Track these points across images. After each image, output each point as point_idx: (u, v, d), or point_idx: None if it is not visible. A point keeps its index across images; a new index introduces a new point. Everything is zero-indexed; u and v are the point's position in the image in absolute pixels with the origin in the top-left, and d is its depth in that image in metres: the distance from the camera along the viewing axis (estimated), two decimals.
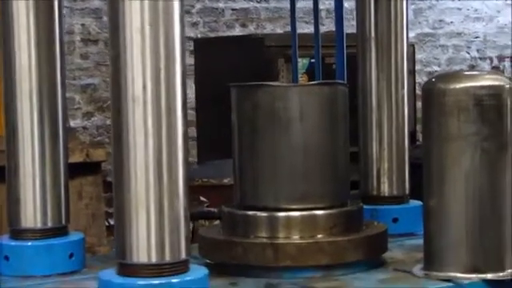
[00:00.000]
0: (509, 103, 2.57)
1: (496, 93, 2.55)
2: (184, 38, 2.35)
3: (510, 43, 3.50)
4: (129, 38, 2.27)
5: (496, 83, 2.57)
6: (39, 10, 2.83)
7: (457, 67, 13.02)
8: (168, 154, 2.29)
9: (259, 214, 2.78)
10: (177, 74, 2.31)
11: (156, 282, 2.26)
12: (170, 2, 2.28)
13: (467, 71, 2.85)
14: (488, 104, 2.53)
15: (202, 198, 5.83)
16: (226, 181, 5.32)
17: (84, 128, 10.40)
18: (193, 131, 9.41)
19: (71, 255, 2.84)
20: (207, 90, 9.00)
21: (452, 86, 2.56)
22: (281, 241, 2.73)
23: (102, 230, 5.60)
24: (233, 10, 11.18)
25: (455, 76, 2.63)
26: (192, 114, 9.42)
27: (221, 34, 11.08)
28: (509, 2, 3.40)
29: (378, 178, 3.36)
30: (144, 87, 2.26)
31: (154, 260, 2.29)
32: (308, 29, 8.81)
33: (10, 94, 2.85)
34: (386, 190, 3.35)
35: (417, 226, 3.16)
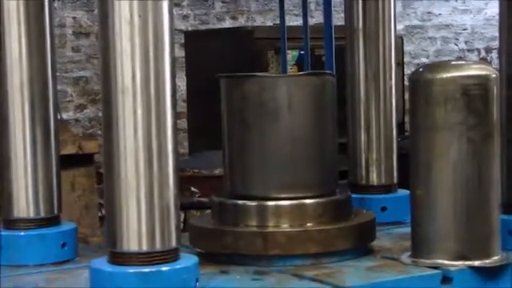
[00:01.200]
0: (495, 93, 2.57)
1: (482, 82, 2.54)
2: (173, 29, 2.34)
3: (497, 35, 3.50)
4: (118, 28, 2.25)
5: (482, 73, 2.57)
6: (29, 3, 2.83)
7: (445, 59, 13.02)
8: (158, 144, 2.29)
9: (249, 203, 2.77)
10: (166, 65, 2.30)
11: (146, 270, 2.25)
12: None
13: (454, 61, 2.85)
14: (474, 94, 2.52)
15: (193, 189, 5.84)
16: (216, 171, 5.32)
17: (76, 120, 10.39)
18: (184, 123, 9.42)
19: (64, 244, 2.84)
20: (198, 82, 8.99)
21: (439, 76, 2.56)
22: (270, 229, 2.73)
23: (95, 221, 5.61)
24: (223, 2, 11.19)
25: (442, 66, 2.63)
26: (183, 105, 9.42)
27: (211, 26, 11.08)
28: None
29: (366, 167, 3.36)
30: (133, 77, 2.25)
31: (144, 248, 2.28)
32: (297, 21, 8.84)
33: (1, 86, 2.84)
34: (374, 179, 3.35)
35: (405, 215, 3.16)
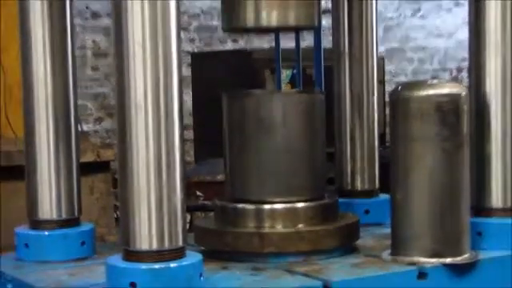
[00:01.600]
0: (465, 108, 2.58)
1: (454, 99, 2.55)
2: (180, 51, 2.34)
3: (466, 56, 3.52)
4: (131, 51, 2.25)
5: (454, 91, 2.57)
6: (54, 27, 2.83)
7: (421, 77, 13.04)
8: (166, 153, 2.28)
9: (247, 206, 2.77)
10: (174, 83, 2.29)
11: (156, 266, 2.25)
12: (167, 19, 2.27)
13: (429, 80, 2.84)
14: (447, 109, 2.53)
15: (198, 193, 5.84)
16: (219, 177, 5.32)
17: (95, 131, 10.41)
18: (190, 133, 9.42)
19: (83, 243, 2.85)
20: (203, 97, 9.03)
21: (415, 94, 2.56)
22: (266, 230, 2.73)
23: (111, 221, 5.60)
24: None
25: (418, 85, 2.63)
26: (189, 118, 9.42)
27: (215, 48, 11.08)
28: (466, 21, 3.46)
29: (351, 174, 3.36)
30: (145, 95, 2.25)
31: (154, 247, 2.27)
32: (291, 43, 8.83)
33: (29, 100, 2.85)
34: (358, 185, 3.35)
35: (385, 217, 3.15)
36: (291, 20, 2.79)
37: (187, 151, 8.39)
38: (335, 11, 3.39)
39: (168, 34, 2.28)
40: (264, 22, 2.77)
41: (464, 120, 2.57)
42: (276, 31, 3.00)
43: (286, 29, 2.90)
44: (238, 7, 2.79)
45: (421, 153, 2.55)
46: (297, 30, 2.98)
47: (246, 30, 2.91)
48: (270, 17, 2.76)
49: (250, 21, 2.78)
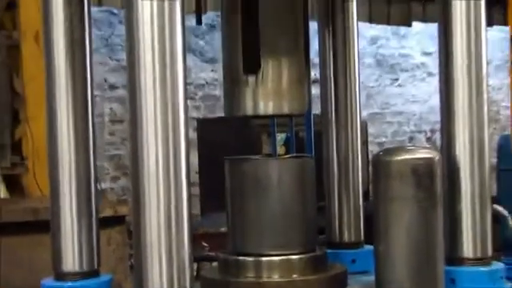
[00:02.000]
0: (438, 171, 2.58)
1: (428, 163, 2.56)
2: (188, 117, 2.35)
3: (438, 119, 3.56)
4: (144, 120, 2.27)
5: (428, 156, 2.58)
6: (76, 99, 2.82)
7: (400, 138, 13.08)
8: (175, 211, 2.27)
9: (247, 258, 2.75)
10: (182, 147, 2.29)
11: None
12: (176, 91, 2.28)
13: (406, 146, 2.84)
14: (422, 172, 2.53)
15: (203, 244, 5.82)
16: (222, 229, 5.31)
17: (111, 189, 10.40)
18: (196, 190, 9.42)
19: None
20: (207, 158, 9.06)
21: (394, 159, 2.57)
22: (264, 279, 2.71)
23: (127, 269, 5.57)
24: None
25: (397, 150, 2.64)
26: (195, 176, 9.42)
27: (218, 114, 11.14)
28: (437, 89, 3.52)
29: (339, 228, 3.34)
30: (156, 159, 2.26)
31: None
32: None
33: (53, 163, 2.84)
34: (345, 237, 3.33)
35: (370, 266, 3.15)
36: (285, 109, 2.80)
37: (194, 205, 8.38)
38: (323, 82, 3.39)
39: (176, 103, 2.28)
40: (261, 111, 2.78)
41: (437, 182, 2.57)
42: (272, 117, 3.00)
43: (280, 116, 2.90)
44: (237, 96, 2.80)
45: (399, 211, 2.55)
46: (290, 116, 2.97)
47: (246, 116, 2.90)
48: (267, 106, 2.77)
49: (248, 109, 2.79)
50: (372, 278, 2.75)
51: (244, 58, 2.76)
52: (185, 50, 2.32)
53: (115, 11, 11.02)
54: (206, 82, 11.69)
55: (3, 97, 5.97)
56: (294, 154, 2.82)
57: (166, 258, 2.27)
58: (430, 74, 13.30)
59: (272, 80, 2.75)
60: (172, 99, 2.28)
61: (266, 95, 2.76)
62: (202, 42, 11.23)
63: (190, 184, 2.33)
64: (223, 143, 8.48)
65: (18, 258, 5.10)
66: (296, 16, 2.83)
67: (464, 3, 2.84)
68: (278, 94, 2.76)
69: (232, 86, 2.82)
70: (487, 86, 2.91)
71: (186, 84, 2.33)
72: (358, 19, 3.38)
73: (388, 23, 12.60)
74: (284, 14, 2.78)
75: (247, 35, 2.76)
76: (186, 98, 2.34)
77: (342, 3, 3.31)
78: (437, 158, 2.61)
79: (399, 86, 13.38)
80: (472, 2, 2.84)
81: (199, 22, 3.22)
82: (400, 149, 2.64)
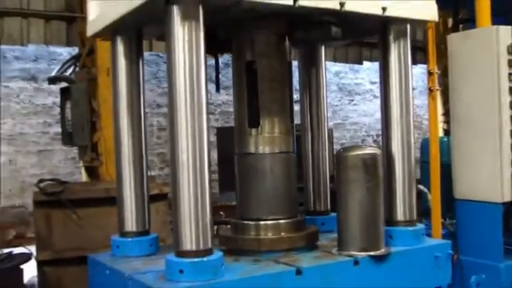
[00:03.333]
0: (380, 162, 2.58)
1: (373, 157, 2.55)
2: (209, 126, 2.34)
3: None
4: (179, 127, 2.26)
5: (373, 152, 2.58)
6: (134, 114, 2.83)
7: (355, 140, 13.07)
8: (200, 190, 2.27)
9: (250, 222, 2.75)
10: (205, 148, 2.29)
11: (195, 260, 2.23)
12: (201, 110, 2.28)
13: (358, 145, 2.82)
14: (369, 163, 2.53)
15: (221, 213, 5.83)
16: (233, 203, 5.34)
17: (159, 175, 10.41)
18: (215, 176, 9.42)
19: (151, 245, 2.82)
20: (223, 154, 9.02)
21: (350, 154, 2.57)
22: (262, 237, 2.70)
23: (168, 230, 5.53)
24: None
25: (351, 148, 2.64)
26: (215, 166, 9.42)
27: (231, 125, 11.15)
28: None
29: (313, 201, 3.32)
30: (187, 156, 2.26)
31: (194, 247, 2.25)
32: None
33: (119, 158, 2.85)
34: (317, 207, 3.31)
35: (334, 227, 3.14)
36: (276, 150, 2.76)
37: (214, 187, 8.40)
38: (301, 102, 3.38)
39: (201, 116, 2.28)
40: (260, 152, 2.75)
41: (380, 169, 2.58)
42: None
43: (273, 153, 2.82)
44: (244, 141, 2.80)
45: (354, 189, 2.55)
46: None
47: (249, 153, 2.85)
48: (264, 149, 2.75)
49: (252, 150, 2.76)
50: (335, 235, 2.75)
51: (249, 118, 2.79)
52: (206, 80, 2.32)
53: (161, 54, 11.05)
54: (223, 102, 11.73)
55: (85, 113, 5.96)
56: (282, 151, 2.80)
57: (195, 222, 2.26)
58: (375, 97, 13.32)
59: (268, 132, 2.75)
60: (198, 114, 2.27)
61: (264, 142, 2.75)
62: (220, 75, 11.27)
63: (210, 172, 2.32)
64: (234, 144, 8.46)
65: (96, 222, 5.10)
66: (284, 88, 2.82)
67: (397, 50, 2.84)
68: (271, 142, 2.76)
69: (241, 135, 2.82)
70: (413, 104, 2.91)
71: (207, 103, 2.33)
72: (326, 59, 3.37)
73: (346, 62, 12.63)
74: (275, 88, 2.77)
75: (251, 102, 2.78)
76: (208, 113, 2.34)
77: (314, 49, 3.31)
78: (379, 153, 2.61)
79: (354, 104, 13.39)
80: (402, 50, 2.84)
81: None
82: (354, 147, 2.64)
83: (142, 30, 2.83)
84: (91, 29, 2.85)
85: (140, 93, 2.86)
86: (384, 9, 2.63)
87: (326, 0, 2.46)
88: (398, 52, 2.84)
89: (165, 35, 2.28)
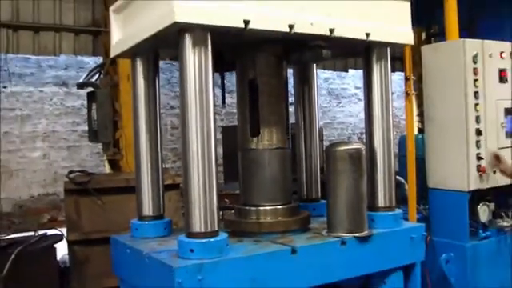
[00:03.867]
0: (364, 155, 2.56)
1: (358, 151, 2.54)
2: (216, 125, 2.32)
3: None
4: (189, 124, 2.25)
5: (358, 147, 2.56)
6: (151, 113, 2.81)
7: (343, 137, 13.05)
8: (208, 180, 2.26)
9: (251, 208, 2.74)
10: (212, 144, 2.28)
11: (204, 240, 2.23)
12: (208, 111, 2.27)
13: (345, 141, 2.80)
14: (355, 156, 2.52)
15: (226, 200, 5.81)
16: (237, 192, 5.32)
17: (172, 168, 10.38)
18: (221, 168, 9.38)
19: (165, 228, 2.80)
20: (228, 150, 8.98)
21: (338, 148, 2.55)
22: (261, 220, 2.69)
23: (180, 215, 5.50)
24: None
25: (339, 143, 2.62)
26: (221, 160, 9.39)
27: (235, 123, 11.12)
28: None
29: (306, 190, 3.31)
30: (197, 149, 2.25)
31: (202, 229, 2.25)
32: None
33: (138, 152, 2.83)
34: (309, 195, 3.30)
35: (324, 212, 3.12)
36: None
37: (219, 177, 8.39)
38: (296, 104, 3.37)
39: (209, 116, 2.27)
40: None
41: (363, 162, 2.56)
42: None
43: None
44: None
45: (341, 179, 2.54)
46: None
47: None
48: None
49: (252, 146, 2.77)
50: (325, 219, 2.74)
51: (250, 128, 2.79)
52: (213, 84, 2.31)
53: (174, 63, 11.03)
54: (228, 105, 11.69)
55: (108, 114, 5.93)
56: (279, 146, 2.79)
57: (203, 208, 2.25)
58: (359, 100, 13.27)
59: (267, 140, 2.75)
60: (206, 114, 2.26)
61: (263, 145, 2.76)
62: (225, 81, 11.26)
63: (217, 164, 2.31)
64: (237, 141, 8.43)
65: (118, 208, 5.08)
66: (281, 103, 2.81)
67: (378, 65, 2.82)
68: (270, 144, 2.76)
69: (244, 143, 2.81)
70: (392, 106, 2.90)
71: (214, 105, 2.31)
72: (317, 68, 3.36)
73: (334, 70, 12.58)
74: (273, 102, 2.77)
75: (252, 115, 2.78)
76: (215, 113, 2.32)
77: (307, 64, 3.28)
78: (363, 148, 2.60)
79: (341, 106, 13.35)
80: (383, 65, 2.83)
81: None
82: (341, 143, 2.62)
83: (158, 52, 2.82)
84: (114, 51, 2.84)
85: (156, 96, 2.84)
86: (368, 34, 2.65)
87: (317, 27, 2.47)
88: (378, 61, 2.83)
89: (178, 57, 2.28)
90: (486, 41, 3.80)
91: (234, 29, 2.27)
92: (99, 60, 7.32)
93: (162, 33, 2.28)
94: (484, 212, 3.54)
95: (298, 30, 2.40)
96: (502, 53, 3.88)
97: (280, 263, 2.35)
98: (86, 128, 6.38)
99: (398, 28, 2.81)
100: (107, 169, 6.74)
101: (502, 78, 3.87)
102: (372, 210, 2.80)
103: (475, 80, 3.67)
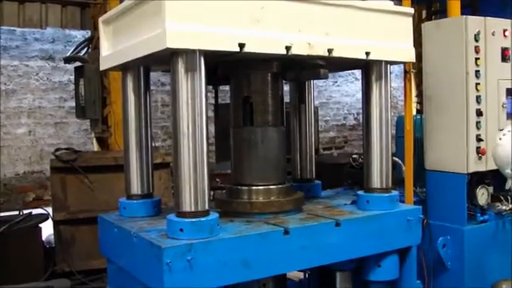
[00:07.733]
0: None
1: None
2: (207, 103, 2.30)
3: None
4: (180, 105, 2.22)
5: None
6: (140, 91, 2.81)
7: (338, 118, 13.05)
8: (200, 159, 2.25)
9: (243, 187, 2.74)
10: (203, 122, 2.26)
11: (194, 219, 2.22)
12: (201, 89, 2.24)
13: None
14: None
15: (217, 180, 5.80)
16: (229, 171, 5.34)
17: (162, 146, 10.34)
18: (212, 147, 9.36)
19: (155, 207, 2.81)
20: (221, 128, 8.94)
21: None
22: (253, 200, 2.69)
23: (170, 194, 5.52)
24: None
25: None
26: (212, 139, 9.37)
27: (227, 101, 11.08)
28: (360, 88, 3.47)
29: (300, 169, 3.33)
30: (188, 127, 2.23)
31: (193, 209, 2.24)
32: None
33: (126, 130, 2.82)
34: (303, 175, 3.32)
35: (319, 193, 3.14)
36: None
37: (211, 156, 8.37)
38: (292, 85, 3.36)
39: (201, 94, 2.25)
40: None
41: None
42: None
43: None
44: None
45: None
46: None
47: None
48: None
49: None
50: (319, 200, 2.77)
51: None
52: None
53: None
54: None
55: (97, 90, 5.89)
56: (273, 123, 2.77)
57: (193, 186, 2.25)
58: (356, 79, 13.22)
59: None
60: (198, 93, 2.23)
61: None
62: None
63: (208, 143, 2.29)
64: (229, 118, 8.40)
65: (105, 187, 5.08)
66: (276, 120, 2.79)
67: (377, 79, 2.82)
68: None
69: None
70: (390, 86, 2.89)
71: (206, 85, 2.28)
72: None
73: None
74: (268, 121, 2.75)
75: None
76: (207, 91, 2.30)
77: None
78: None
79: (338, 85, 13.30)
80: (383, 77, 2.82)
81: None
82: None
83: (149, 67, 2.81)
84: (104, 64, 2.81)
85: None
86: (368, 53, 2.64)
87: (315, 48, 2.44)
88: (379, 84, 2.83)
89: (170, 79, 2.24)
90: (488, 18, 3.76)
91: (228, 52, 2.25)
92: (87, 34, 7.20)
93: (154, 54, 2.24)
94: (482, 195, 3.54)
95: (295, 51, 2.38)
96: (505, 31, 3.84)
97: (272, 244, 2.35)
98: (74, 104, 6.34)
99: (399, 45, 2.79)
100: (95, 147, 6.71)
101: (505, 57, 3.84)
102: (368, 191, 2.80)
103: (477, 59, 3.64)
